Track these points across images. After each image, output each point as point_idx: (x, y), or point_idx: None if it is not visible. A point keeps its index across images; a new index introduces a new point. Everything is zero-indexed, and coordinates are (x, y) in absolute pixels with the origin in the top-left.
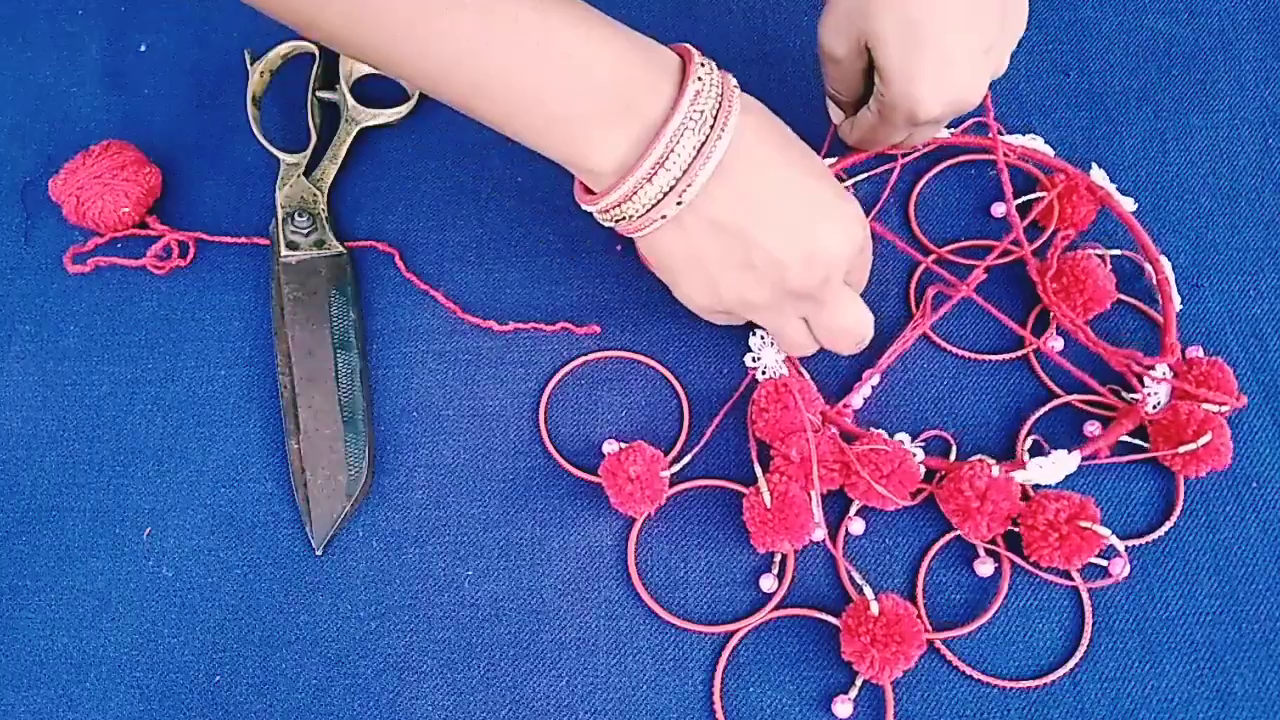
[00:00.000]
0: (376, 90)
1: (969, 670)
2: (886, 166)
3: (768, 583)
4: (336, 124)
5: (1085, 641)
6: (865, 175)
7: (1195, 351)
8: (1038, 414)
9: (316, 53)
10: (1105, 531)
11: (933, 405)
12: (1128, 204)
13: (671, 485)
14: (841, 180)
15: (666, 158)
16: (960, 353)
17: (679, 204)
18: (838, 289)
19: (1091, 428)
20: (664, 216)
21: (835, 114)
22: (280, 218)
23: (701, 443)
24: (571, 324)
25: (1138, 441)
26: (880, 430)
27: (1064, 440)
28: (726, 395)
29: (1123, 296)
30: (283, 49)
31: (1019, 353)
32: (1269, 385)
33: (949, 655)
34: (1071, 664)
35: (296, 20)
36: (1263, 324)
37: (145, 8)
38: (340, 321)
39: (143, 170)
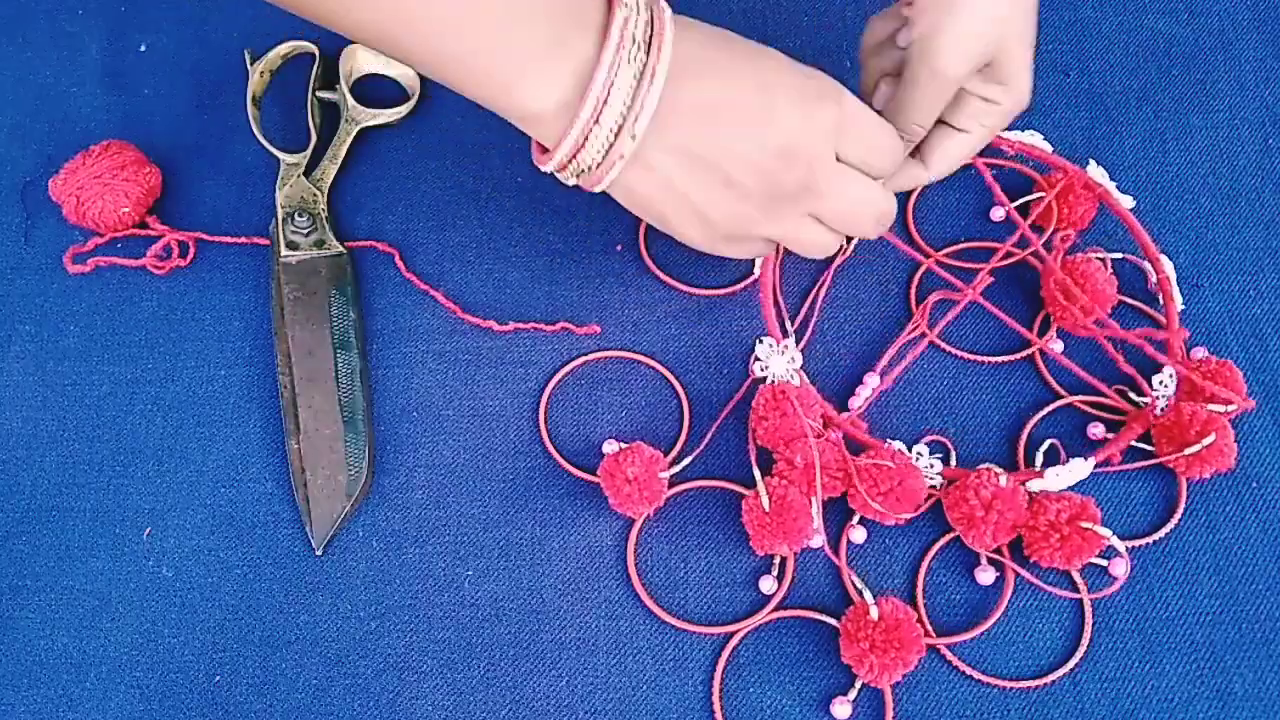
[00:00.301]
0: (376, 90)
1: (969, 670)
2: None
3: (767, 584)
4: (336, 124)
5: (1085, 642)
6: None
7: (1200, 353)
8: (1039, 415)
9: (316, 53)
10: (1106, 532)
11: (933, 406)
12: (1126, 201)
13: (671, 486)
14: None
15: (608, 93)
16: (962, 355)
17: (633, 138)
18: (831, 173)
19: (1095, 429)
20: (622, 156)
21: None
22: (280, 218)
23: (702, 444)
24: (571, 324)
25: (1143, 446)
26: (896, 441)
27: (1067, 442)
28: (727, 396)
29: (1124, 299)
30: (283, 49)
31: (1022, 353)
32: (1269, 385)
33: (949, 656)
34: (1072, 664)
35: None
36: (1263, 324)
37: (145, 8)
38: (340, 321)
39: (143, 170)
